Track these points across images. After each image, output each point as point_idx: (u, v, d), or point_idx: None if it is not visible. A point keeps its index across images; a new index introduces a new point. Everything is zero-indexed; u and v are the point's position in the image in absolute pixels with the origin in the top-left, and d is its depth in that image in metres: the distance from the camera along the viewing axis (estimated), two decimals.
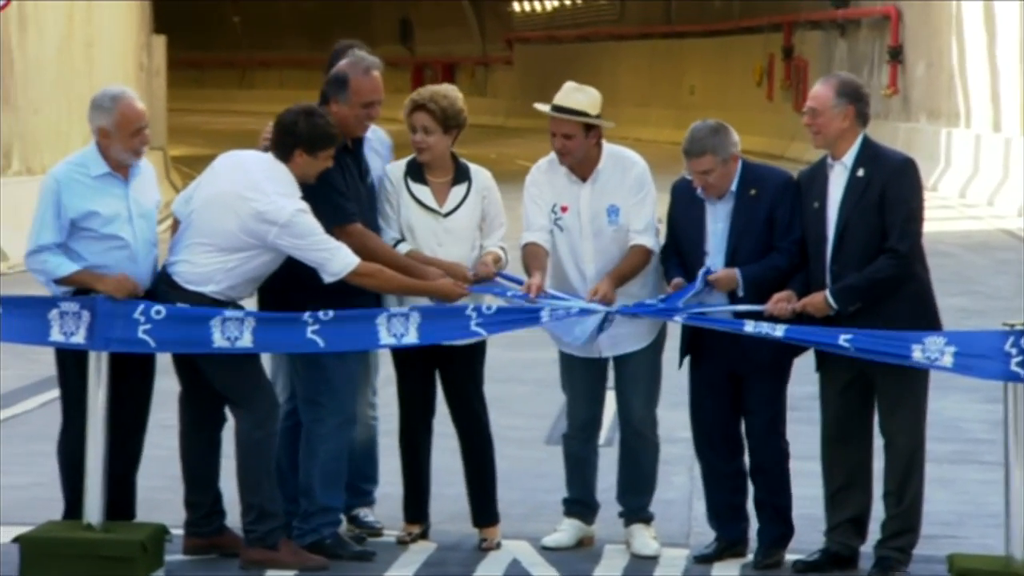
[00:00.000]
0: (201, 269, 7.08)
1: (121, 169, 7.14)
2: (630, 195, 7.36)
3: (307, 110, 7.14)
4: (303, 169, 7.09)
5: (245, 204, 7.02)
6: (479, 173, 7.50)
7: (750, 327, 7.01)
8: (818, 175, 7.19)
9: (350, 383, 7.24)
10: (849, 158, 7.10)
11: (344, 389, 7.21)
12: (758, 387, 7.26)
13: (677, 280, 7.22)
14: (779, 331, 6.99)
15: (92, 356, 7.04)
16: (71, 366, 7.16)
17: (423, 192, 7.39)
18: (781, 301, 7.06)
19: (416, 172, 7.42)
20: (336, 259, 6.99)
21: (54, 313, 7.04)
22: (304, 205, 7.03)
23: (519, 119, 48.15)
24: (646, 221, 7.34)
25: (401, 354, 7.46)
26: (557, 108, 7.32)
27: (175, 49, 32.71)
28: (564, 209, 7.38)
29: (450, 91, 7.45)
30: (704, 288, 7.14)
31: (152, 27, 29.20)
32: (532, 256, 7.32)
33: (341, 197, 7.14)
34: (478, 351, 7.46)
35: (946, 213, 22.84)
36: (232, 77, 64.77)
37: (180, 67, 47.98)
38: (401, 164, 7.47)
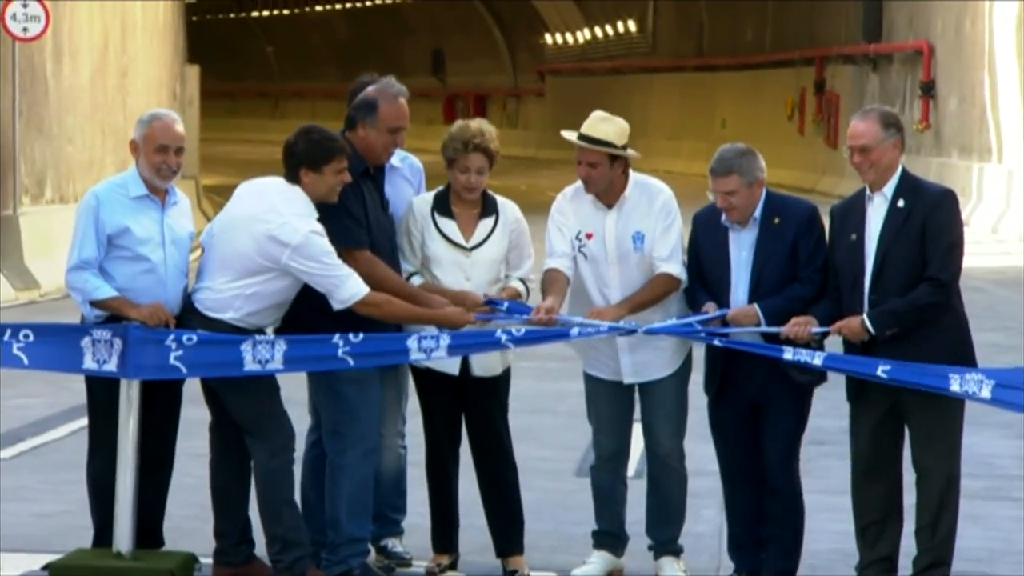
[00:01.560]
0: (220, 295, 7.09)
1: (159, 193, 7.18)
2: (656, 222, 7.37)
3: (305, 129, 7.17)
4: (314, 188, 7.09)
5: (260, 226, 7.04)
6: (506, 206, 7.50)
7: (789, 354, 7.00)
8: (855, 207, 7.17)
9: (372, 413, 7.24)
10: (889, 189, 7.08)
11: (366, 419, 7.20)
12: (778, 417, 7.24)
13: (710, 304, 7.21)
14: (818, 359, 6.98)
15: (123, 384, 7.05)
16: (100, 392, 7.18)
17: (449, 226, 7.40)
18: (799, 325, 7.04)
19: (443, 205, 7.42)
20: (346, 286, 6.99)
21: (87, 341, 7.06)
22: (319, 228, 7.03)
23: (550, 151, 48.21)
24: (671, 248, 7.34)
25: (427, 383, 7.46)
26: (583, 137, 7.33)
27: (208, 79, 32.89)
28: (589, 236, 7.38)
29: (491, 128, 7.48)
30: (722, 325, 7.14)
31: (186, 57, 29.37)
32: (551, 282, 7.31)
33: (352, 221, 7.14)
34: (503, 380, 7.45)
35: (978, 248, 22.74)
36: (265, 107, 65.08)
37: (213, 97, 48.21)
38: (428, 198, 7.47)
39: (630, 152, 7.37)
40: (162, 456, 7.28)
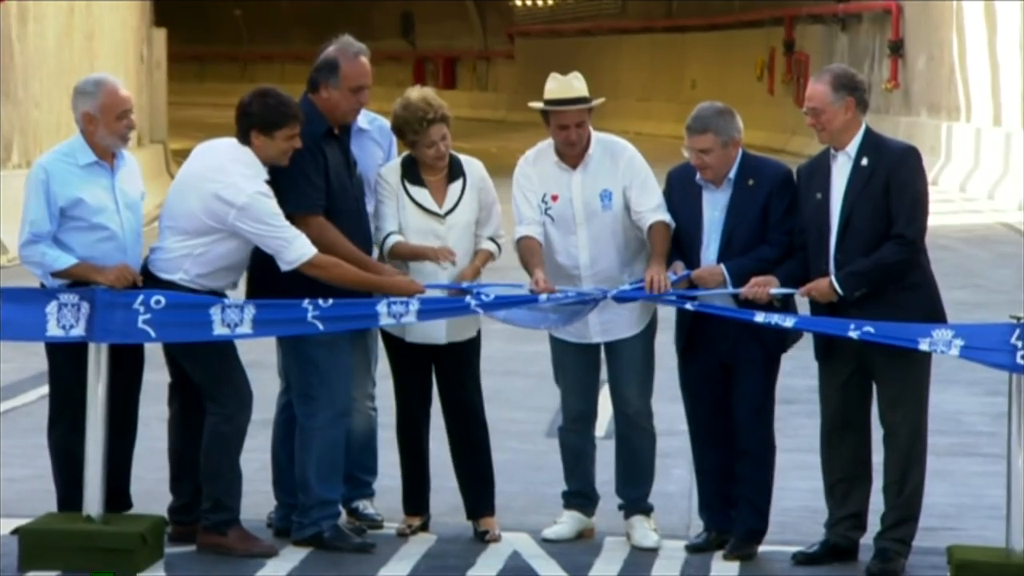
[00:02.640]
0: (170, 255, 7.09)
1: (107, 157, 7.12)
2: (628, 179, 7.35)
3: (261, 91, 7.15)
4: (264, 151, 7.07)
5: (207, 185, 7.03)
6: (471, 165, 7.49)
7: (760, 317, 7.02)
8: (820, 167, 7.19)
9: (342, 376, 7.23)
10: (852, 148, 7.09)
11: (336, 383, 7.20)
12: (747, 378, 7.26)
13: (677, 263, 7.22)
14: (789, 321, 6.99)
15: (92, 348, 7.03)
16: (61, 357, 7.14)
17: (421, 194, 7.39)
18: (758, 285, 7.05)
19: (412, 173, 7.40)
20: (292, 247, 6.98)
21: (52, 306, 7.02)
22: (266, 189, 7.01)
23: (520, 113, 48.07)
24: (657, 200, 7.31)
25: (396, 346, 7.46)
26: (567, 101, 7.30)
27: (176, 42, 32.69)
28: (555, 198, 7.38)
29: (431, 92, 7.44)
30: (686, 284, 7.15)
31: (152, 20, 29.19)
32: (529, 251, 7.31)
33: (308, 185, 7.11)
34: (474, 343, 7.46)
35: (947, 207, 22.82)
36: (233, 71, 64.75)
37: (181, 60, 47.97)
38: (395, 166, 7.45)
39: (597, 100, 7.37)
40: (127, 419, 7.27)
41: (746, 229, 7.20)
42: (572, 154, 7.37)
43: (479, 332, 7.51)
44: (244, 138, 7.09)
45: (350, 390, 7.32)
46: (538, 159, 7.46)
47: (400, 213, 7.37)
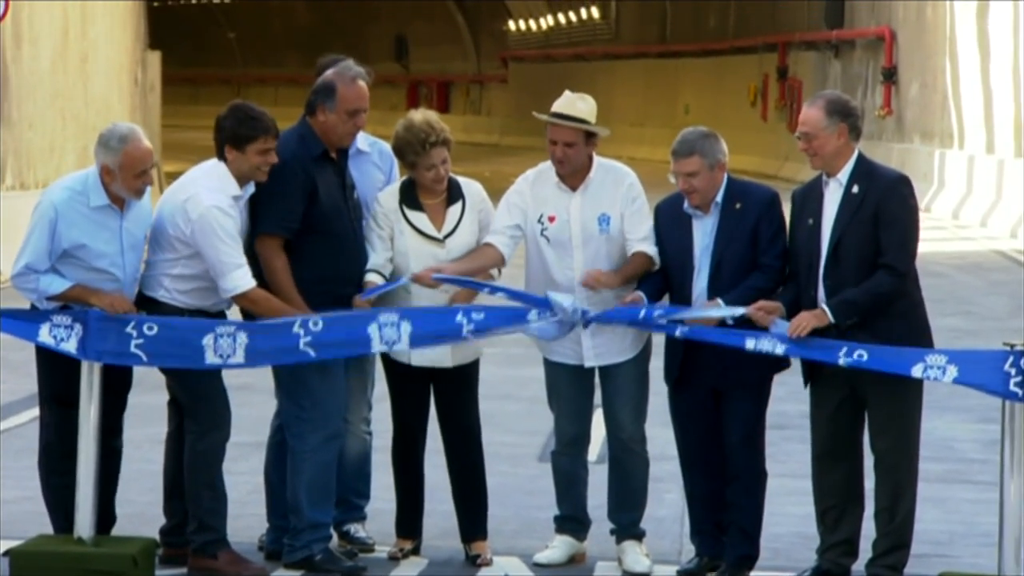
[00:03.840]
0: (151, 272, 7.13)
1: (119, 201, 7.11)
2: (625, 205, 7.36)
3: (234, 106, 7.17)
4: (237, 166, 7.09)
5: (175, 197, 7.09)
6: (470, 187, 7.50)
7: (751, 343, 7.02)
8: (813, 192, 7.20)
9: (334, 398, 7.23)
10: (844, 175, 7.11)
11: (327, 403, 7.20)
12: (738, 403, 7.26)
13: (637, 294, 7.21)
14: (780, 348, 7.00)
15: (84, 368, 7.03)
16: (52, 382, 7.13)
17: (420, 219, 7.38)
18: (763, 310, 7.05)
19: (410, 198, 7.40)
20: (231, 276, 7.01)
21: (45, 327, 7.01)
22: (227, 205, 7.01)
23: (514, 137, 48.19)
24: (647, 230, 7.34)
25: (396, 368, 7.46)
26: (559, 115, 7.33)
27: (170, 65, 32.75)
28: (552, 219, 7.39)
29: (434, 115, 7.45)
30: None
31: (147, 43, 29.23)
32: (480, 254, 7.29)
33: (283, 206, 7.09)
34: (475, 366, 7.46)
35: (939, 234, 22.87)
36: (227, 93, 64.76)
37: (175, 83, 48.02)
38: (394, 191, 7.44)
39: (602, 129, 7.38)
40: (115, 436, 7.25)
41: (735, 252, 7.21)
42: (565, 173, 7.37)
43: (478, 358, 7.52)
44: (219, 153, 7.12)
45: (342, 412, 7.32)
46: (538, 179, 7.46)
47: (399, 239, 7.37)
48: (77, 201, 7.05)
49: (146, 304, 7.11)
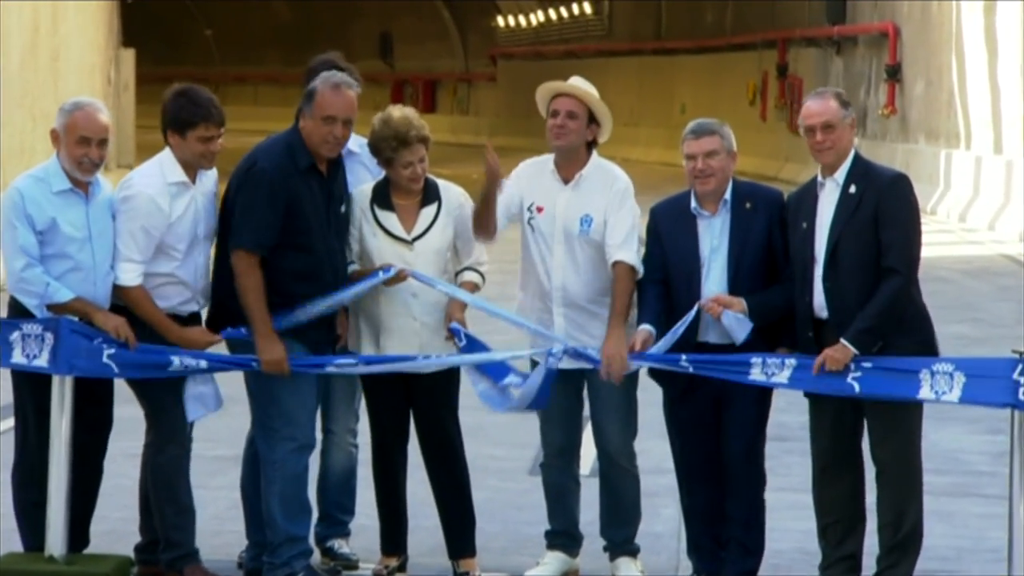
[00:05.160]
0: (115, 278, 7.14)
1: (82, 186, 7.12)
2: (610, 209, 7.36)
3: (179, 90, 7.18)
4: (180, 152, 7.11)
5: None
6: (449, 191, 7.48)
7: (757, 370, 7.02)
8: (807, 195, 7.20)
9: (304, 407, 7.20)
10: (841, 174, 7.12)
11: (297, 414, 7.18)
12: (738, 412, 7.26)
13: (645, 333, 7.16)
14: (784, 379, 6.99)
15: (56, 381, 7.04)
16: (27, 391, 7.13)
17: (389, 219, 7.38)
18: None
19: (383, 197, 7.40)
20: (120, 266, 7.05)
21: (16, 335, 7.02)
22: (156, 193, 7.01)
23: (503, 138, 48.15)
24: (624, 234, 7.31)
25: (371, 380, 7.46)
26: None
27: (145, 63, 32.73)
28: (540, 210, 7.40)
29: (413, 112, 7.45)
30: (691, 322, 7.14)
31: (121, 40, 29.22)
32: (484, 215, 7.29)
33: (257, 220, 7.05)
34: (452, 377, 7.45)
35: (945, 237, 22.90)
36: None
37: (150, 82, 47.95)
38: (367, 190, 7.44)
39: (605, 114, 7.37)
40: (96, 455, 7.27)
41: (752, 254, 7.19)
42: (562, 147, 7.32)
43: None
44: (164, 137, 7.16)
45: (312, 422, 7.28)
46: (537, 167, 7.48)
47: (368, 239, 7.37)
48: (39, 187, 7.09)
49: (115, 311, 7.11)
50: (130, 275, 7.05)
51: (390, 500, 7.54)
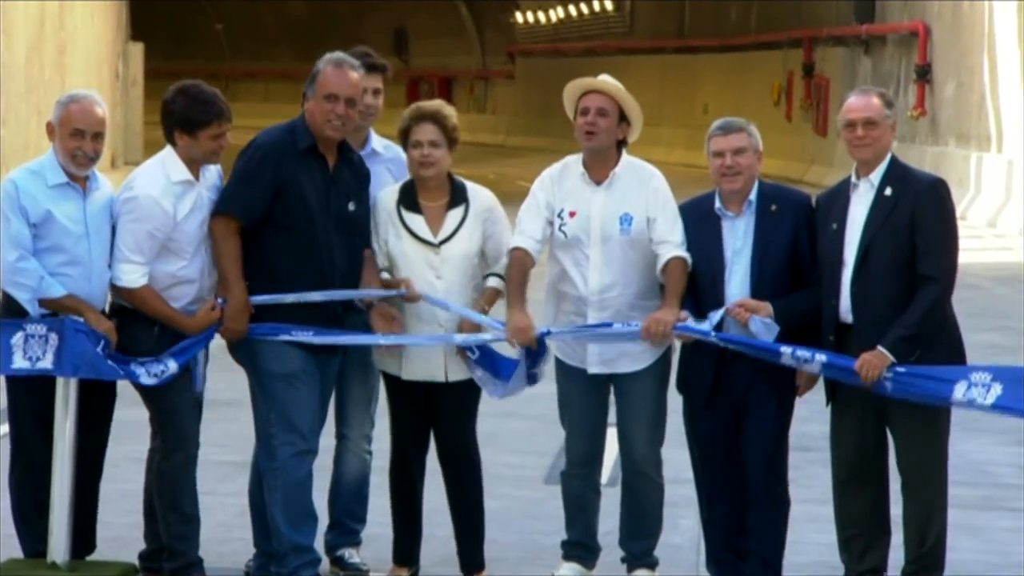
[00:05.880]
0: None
1: (78, 180, 7.14)
2: (652, 207, 7.33)
3: (183, 87, 7.18)
4: (188, 152, 7.12)
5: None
6: (478, 193, 7.48)
7: (787, 356, 7.02)
8: (838, 196, 7.21)
9: (304, 412, 7.19)
10: (877, 176, 7.12)
11: (297, 419, 7.16)
12: (759, 422, 7.27)
13: (683, 312, 7.22)
14: (817, 364, 6.99)
15: (60, 383, 7.06)
16: (23, 391, 7.14)
17: (416, 221, 7.37)
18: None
19: (409, 199, 7.39)
20: (120, 268, 7.06)
21: (19, 337, 7.03)
22: (160, 194, 7.02)
23: (520, 137, 48.22)
24: (681, 235, 7.29)
25: (393, 384, 7.47)
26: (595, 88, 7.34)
27: (153, 58, 32.82)
28: (572, 214, 7.37)
29: (450, 108, 7.47)
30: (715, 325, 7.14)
31: (129, 34, 29.30)
32: (519, 270, 7.26)
33: (241, 187, 7.07)
34: (472, 384, 7.43)
35: (976, 243, 22.85)
36: (215, 88, 64.91)
37: (159, 77, 48.10)
38: (394, 191, 7.44)
39: (636, 111, 7.37)
40: (98, 456, 7.29)
41: (775, 260, 7.20)
42: (593, 148, 7.31)
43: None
44: (169, 137, 7.16)
45: (314, 427, 7.26)
46: (563, 172, 7.45)
47: (394, 242, 7.36)
48: (35, 180, 7.11)
49: (121, 312, 7.14)
50: (133, 276, 7.07)
51: (406, 511, 7.52)
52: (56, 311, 7.06)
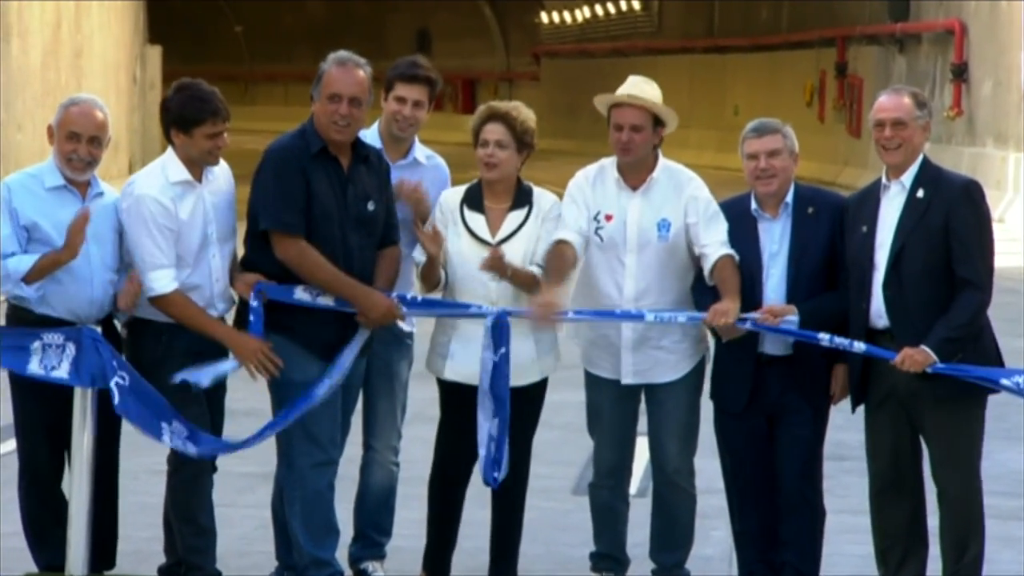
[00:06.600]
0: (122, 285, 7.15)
1: (78, 185, 7.13)
2: (692, 212, 7.32)
3: (181, 84, 7.17)
4: (185, 151, 7.11)
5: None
6: (543, 197, 7.45)
7: (826, 340, 7.02)
8: (868, 198, 7.20)
9: (324, 421, 7.17)
10: (908, 178, 7.11)
11: (317, 428, 7.15)
12: (794, 430, 7.26)
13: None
14: (859, 345, 6.98)
15: (78, 394, 7.07)
16: (32, 403, 7.14)
17: (477, 221, 7.37)
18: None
19: (474, 199, 7.40)
20: (150, 276, 7.01)
21: (36, 345, 7.05)
22: (160, 194, 7.00)
23: (546, 140, 48.08)
24: (724, 234, 7.27)
25: (442, 388, 7.44)
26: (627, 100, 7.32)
27: (172, 61, 32.90)
28: (608, 218, 7.37)
29: (525, 107, 7.47)
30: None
31: (147, 37, 29.38)
32: (556, 257, 7.22)
33: (282, 201, 7.02)
34: (536, 392, 7.37)
35: (1014, 247, 22.78)
36: (233, 92, 65.00)
37: (177, 80, 48.27)
38: (459, 191, 7.45)
39: (671, 115, 7.37)
40: (111, 468, 7.29)
41: (812, 262, 7.20)
42: (629, 162, 7.33)
43: (546, 379, 7.45)
44: (167, 136, 7.16)
45: (335, 438, 7.23)
46: (599, 175, 7.44)
47: (454, 240, 7.35)
48: (31, 182, 7.10)
49: (129, 324, 7.14)
50: (163, 281, 7.03)
51: (445, 520, 7.46)
52: (45, 275, 6.96)
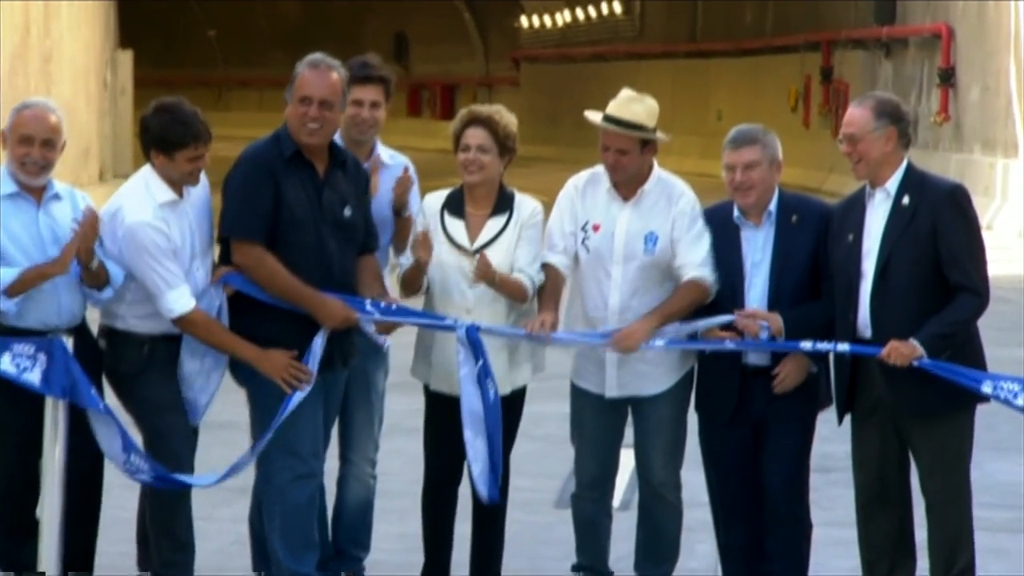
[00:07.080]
0: (104, 296, 7.14)
1: (33, 192, 7.10)
2: (678, 227, 7.35)
3: (160, 106, 7.18)
4: (165, 172, 7.13)
5: (106, 214, 7.12)
6: (525, 203, 7.47)
7: (807, 346, 7.04)
8: (854, 206, 7.22)
9: (304, 434, 7.17)
10: (892, 185, 7.13)
11: (298, 440, 7.16)
12: (779, 440, 7.28)
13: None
14: (843, 346, 7.00)
15: (49, 404, 7.07)
16: (15, 407, 7.13)
17: (457, 227, 7.40)
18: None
19: (455, 204, 7.43)
20: (167, 298, 7.03)
21: (7, 355, 7.03)
22: (152, 218, 7.02)
23: (527, 146, 48.03)
24: (704, 255, 7.31)
25: (428, 399, 7.45)
26: (612, 120, 7.33)
27: (143, 66, 32.86)
28: (596, 228, 7.40)
29: (507, 111, 7.47)
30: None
31: (117, 42, 29.32)
32: (552, 284, 7.33)
33: (247, 207, 7.04)
34: (515, 402, 7.41)
35: (1003, 254, 22.83)
36: (206, 97, 64.93)
37: (149, 85, 48.17)
38: (440, 196, 7.48)
39: (661, 136, 7.39)
40: (95, 479, 7.28)
41: (794, 273, 7.23)
42: (619, 180, 7.36)
43: (524, 388, 7.48)
44: (147, 157, 7.17)
45: (315, 451, 7.24)
46: (590, 183, 7.47)
47: (435, 246, 7.35)
48: None
49: (108, 335, 7.15)
50: (183, 300, 7.04)
51: (438, 536, 7.48)
52: (27, 289, 6.94)
